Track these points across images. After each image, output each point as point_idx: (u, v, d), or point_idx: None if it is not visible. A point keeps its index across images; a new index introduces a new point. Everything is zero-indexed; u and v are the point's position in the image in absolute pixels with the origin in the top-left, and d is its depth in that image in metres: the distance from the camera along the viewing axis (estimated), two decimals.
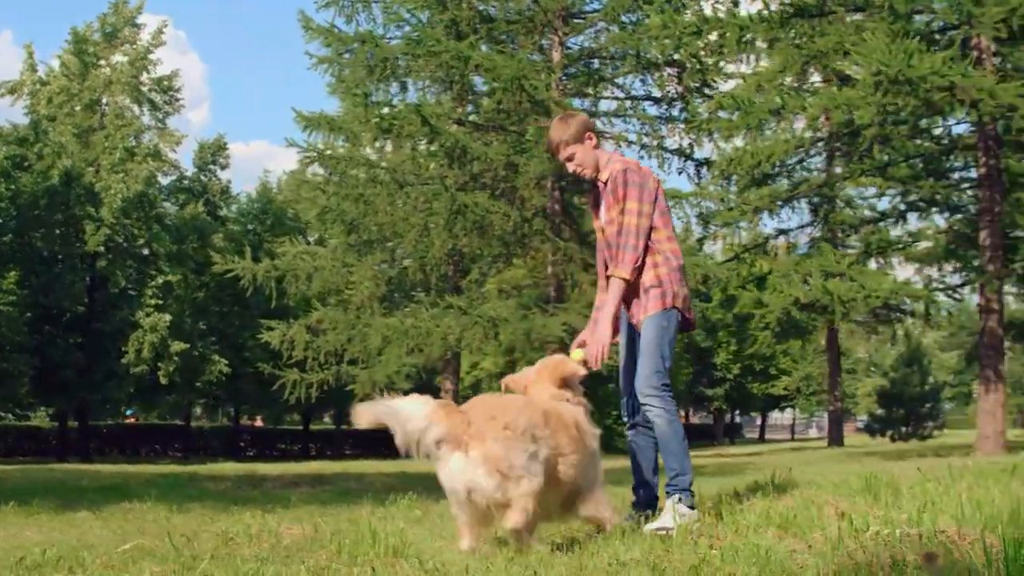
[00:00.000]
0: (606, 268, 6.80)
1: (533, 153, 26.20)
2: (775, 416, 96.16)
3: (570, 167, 6.75)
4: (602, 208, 6.80)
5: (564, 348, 28.68)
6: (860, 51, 17.60)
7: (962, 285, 25.67)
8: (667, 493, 6.45)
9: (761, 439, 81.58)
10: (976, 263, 22.55)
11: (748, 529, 5.57)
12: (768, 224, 55.16)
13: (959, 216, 25.33)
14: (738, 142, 22.47)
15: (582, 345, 6.70)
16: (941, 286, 26.01)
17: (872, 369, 78.94)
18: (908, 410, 55.08)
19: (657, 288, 6.54)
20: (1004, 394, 20.61)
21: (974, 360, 40.48)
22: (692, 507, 6.36)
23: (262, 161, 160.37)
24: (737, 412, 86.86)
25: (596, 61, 30.77)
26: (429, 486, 13.48)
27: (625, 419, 6.97)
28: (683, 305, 6.59)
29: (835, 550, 4.62)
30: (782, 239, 40.46)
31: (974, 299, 35.35)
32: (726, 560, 4.62)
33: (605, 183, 6.63)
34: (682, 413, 74.47)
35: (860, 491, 7.11)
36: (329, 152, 30.42)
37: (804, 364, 75.45)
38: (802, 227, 40.48)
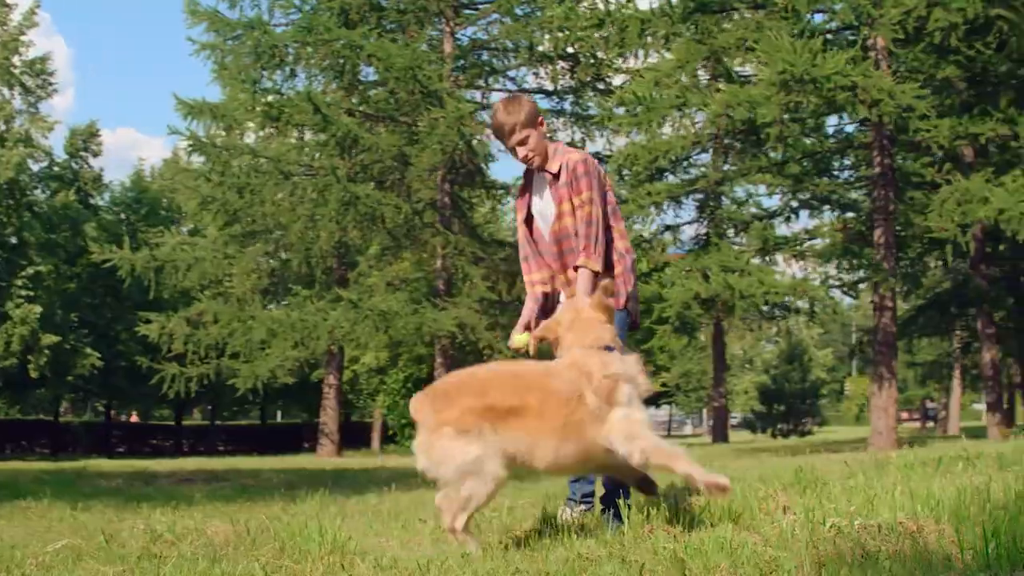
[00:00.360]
0: (548, 263, 6.68)
1: (425, 144, 26.15)
2: (651, 412, 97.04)
3: (521, 152, 6.38)
4: (545, 199, 6.62)
5: (455, 343, 28.85)
6: (765, 50, 17.92)
7: (857, 283, 26.29)
8: (611, 492, 6.36)
9: None
10: (867, 261, 23.09)
11: (701, 523, 5.59)
12: (657, 220, 55.67)
13: (851, 214, 25.96)
14: (634, 137, 22.60)
15: (528, 328, 6.59)
16: (838, 283, 26.63)
17: (747, 366, 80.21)
18: (788, 406, 56.14)
19: (615, 286, 6.49)
20: (896, 390, 21.17)
21: (853, 356, 41.55)
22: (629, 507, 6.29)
23: (130, 149, 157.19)
24: None
25: (488, 53, 30.87)
26: (328, 482, 13.41)
27: None
28: (632, 306, 6.57)
29: (797, 542, 4.68)
30: (668, 235, 41.05)
31: (846, 299, 36.45)
32: (695, 553, 4.65)
33: (556, 174, 6.48)
34: None
35: (791, 484, 7.20)
36: (211, 141, 30.04)
37: (683, 360, 76.37)
38: (689, 223, 41.16)
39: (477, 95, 30.76)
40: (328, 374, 34.01)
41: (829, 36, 20.68)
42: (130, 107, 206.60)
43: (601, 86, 29.72)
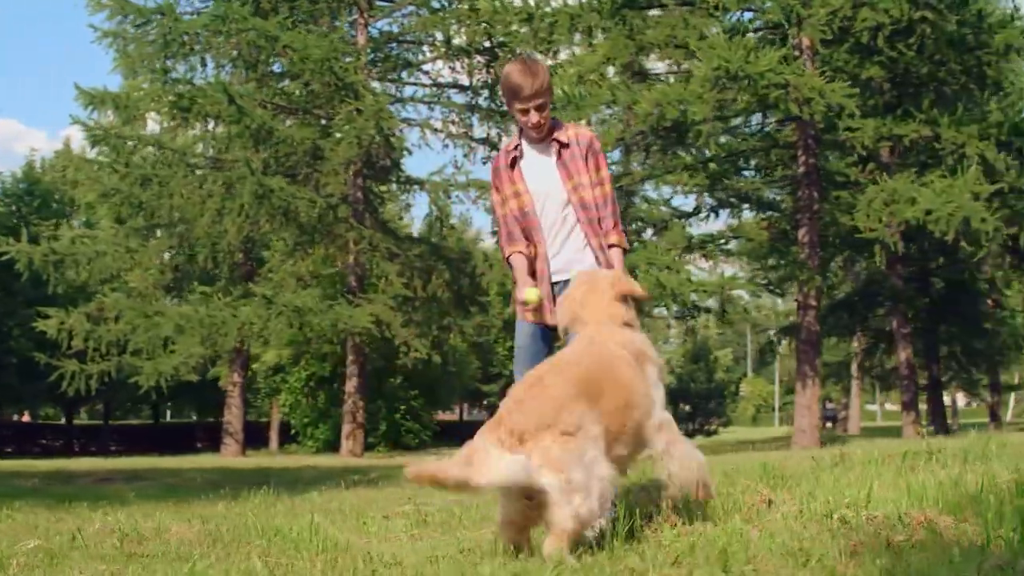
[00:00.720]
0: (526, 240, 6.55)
1: (342, 137, 25.99)
2: None
3: (535, 117, 6.12)
4: (547, 170, 6.30)
5: (373, 337, 28.69)
6: (700, 47, 18.18)
7: (783, 281, 26.65)
8: None
9: None
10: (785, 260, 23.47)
11: (700, 518, 5.62)
12: None
13: (770, 213, 26.32)
14: None
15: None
16: (764, 281, 26.95)
17: None
18: (695, 406, 56.80)
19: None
20: (819, 388, 21.57)
21: (774, 354, 42.21)
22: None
23: (13, 141, 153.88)
24: None
25: (403, 46, 30.78)
26: (255, 481, 13.26)
27: None
28: None
29: (811, 533, 4.76)
30: None
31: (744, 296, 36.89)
32: (715, 544, 4.69)
33: (566, 145, 6.29)
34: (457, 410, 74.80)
35: (761, 479, 7.27)
36: (114, 131, 29.55)
37: None
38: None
39: (391, 88, 30.65)
40: (232, 372, 33.67)
41: (755, 34, 20.99)
42: (12, 99, 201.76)
43: None
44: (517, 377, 6.05)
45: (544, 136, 6.28)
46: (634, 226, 26.22)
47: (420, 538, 6.53)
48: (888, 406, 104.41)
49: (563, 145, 6.26)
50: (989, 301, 34.49)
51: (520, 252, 6.36)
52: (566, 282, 6.13)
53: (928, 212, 18.68)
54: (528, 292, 6.14)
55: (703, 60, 17.91)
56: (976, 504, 5.10)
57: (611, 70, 21.55)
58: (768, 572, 4.19)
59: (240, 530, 6.92)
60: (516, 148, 6.40)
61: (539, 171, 6.33)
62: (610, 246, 6.25)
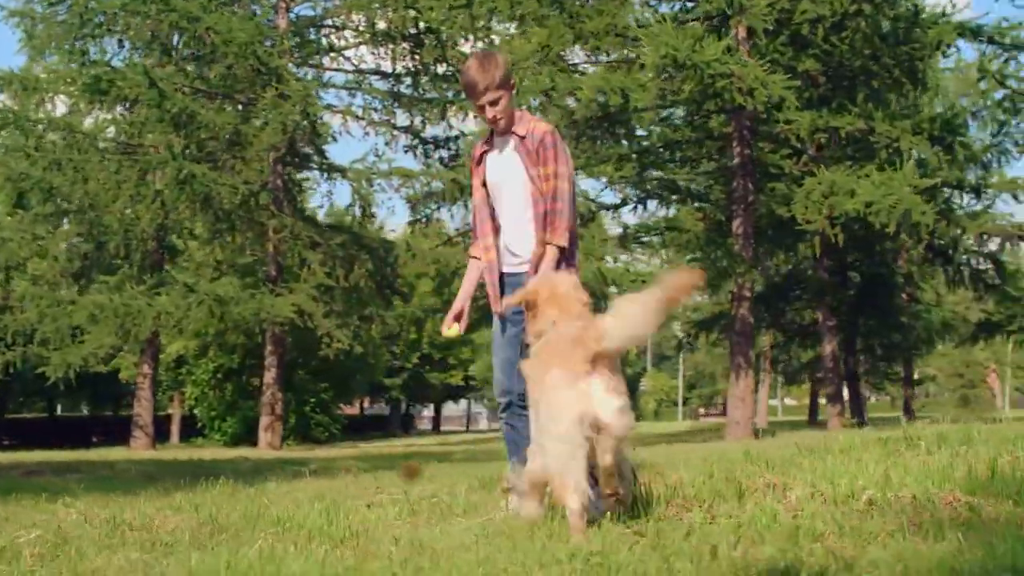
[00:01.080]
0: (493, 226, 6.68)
1: (266, 122, 25.74)
2: (450, 407, 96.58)
3: (490, 112, 6.26)
4: (508, 162, 6.40)
5: (295, 328, 28.49)
6: (647, 35, 18.30)
7: (721, 274, 26.82)
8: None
9: (435, 430, 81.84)
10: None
11: (711, 502, 5.70)
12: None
13: (702, 205, 26.51)
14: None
15: (458, 319, 6.57)
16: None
17: None
18: None
19: (571, 267, 6.57)
20: (753, 380, 21.83)
21: (685, 349, 42.67)
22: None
23: None
24: (412, 403, 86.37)
25: (324, 30, 30.56)
26: (193, 473, 13.08)
27: (500, 401, 6.85)
28: None
29: (850, 511, 4.86)
30: None
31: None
32: (752, 526, 4.77)
33: (523, 138, 6.35)
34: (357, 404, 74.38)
35: (748, 465, 7.34)
36: (22, 114, 28.90)
37: (482, 353, 76.50)
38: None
39: (312, 74, 30.39)
40: (143, 363, 33.12)
41: (695, 24, 21.11)
42: None
43: (442, 69, 29.75)
44: (495, 362, 6.48)
45: (506, 129, 6.40)
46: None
47: (420, 525, 6.51)
48: (788, 401, 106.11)
49: (521, 138, 6.37)
50: (904, 295, 35.16)
51: (473, 257, 6.66)
52: (524, 273, 6.31)
53: (869, 204, 19.03)
54: (448, 332, 6.49)
55: (649, 48, 18.03)
56: (1000, 485, 5.26)
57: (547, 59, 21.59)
58: (839, 548, 4.26)
59: (237, 519, 6.85)
60: (487, 142, 6.59)
61: (500, 164, 6.47)
62: (545, 243, 6.28)
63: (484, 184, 6.59)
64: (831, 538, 4.46)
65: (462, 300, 6.58)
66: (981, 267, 29.58)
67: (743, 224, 21.26)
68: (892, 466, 6.28)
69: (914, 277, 33.66)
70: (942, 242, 27.63)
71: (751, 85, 18.43)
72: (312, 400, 41.71)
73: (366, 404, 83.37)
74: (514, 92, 6.47)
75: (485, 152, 6.59)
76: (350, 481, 11.36)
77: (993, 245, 29.30)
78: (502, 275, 6.50)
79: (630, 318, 5.07)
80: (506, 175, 6.44)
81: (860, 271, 33.07)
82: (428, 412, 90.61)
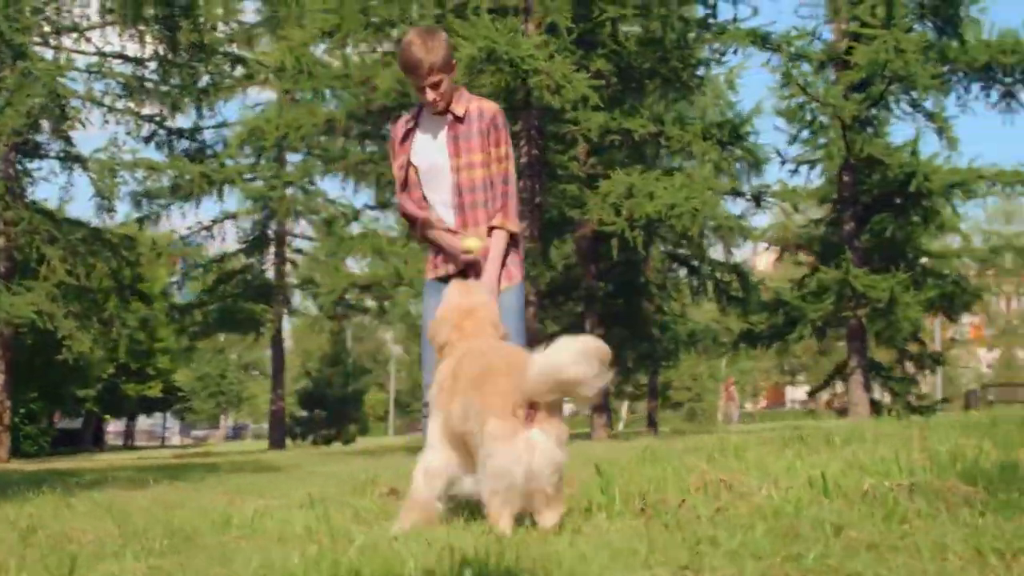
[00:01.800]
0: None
1: (7, 105, 24.20)
2: (141, 421, 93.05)
3: (430, 95, 5.97)
4: (440, 144, 6.16)
5: (33, 329, 26.89)
6: (466, 28, 18.03)
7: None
8: None
9: (127, 445, 78.37)
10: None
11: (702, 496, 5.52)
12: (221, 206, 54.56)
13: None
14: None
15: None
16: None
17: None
18: (331, 412, 56.14)
19: (517, 254, 6.39)
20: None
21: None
22: None
23: None
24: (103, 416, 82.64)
25: (59, 6, 28.99)
26: (64, 482, 12.12)
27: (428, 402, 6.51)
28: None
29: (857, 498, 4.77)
30: (229, 224, 40.31)
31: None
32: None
33: (460, 118, 6.16)
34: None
35: (709, 459, 7.21)
36: None
37: (200, 364, 74.82)
38: (248, 213, 40.60)
39: (51, 55, 28.72)
40: None
41: (513, 18, 20.97)
42: None
43: (203, 54, 28.72)
44: (424, 360, 6.02)
45: (442, 109, 6.13)
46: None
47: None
48: None
49: (457, 119, 6.12)
50: (650, 305, 35.95)
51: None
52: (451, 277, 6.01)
53: (672, 207, 19.36)
54: (468, 241, 6.07)
55: (467, 40, 17.80)
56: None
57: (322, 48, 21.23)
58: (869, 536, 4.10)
59: (172, 527, 6.20)
60: (413, 119, 6.29)
61: (429, 146, 6.23)
62: (492, 228, 6.11)
63: (405, 166, 6.26)
64: (858, 527, 4.33)
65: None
66: (725, 278, 30.31)
67: (530, 226, 21.24)
68: (872, 457, 6.28)
69: (667, 286, 34.51)
70: (686, 251, 28.36)
71: (559, 82, 18.51)
72: (21, 410, 39.66)
73: (56, 418, 79.81)
74: (454, 73, 6.19)
75: (411, 130, 6.27)
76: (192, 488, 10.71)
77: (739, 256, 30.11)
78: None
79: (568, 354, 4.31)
80: (438, 160, 6.18)
81: (614, 279, 33.58)
82: (116, 427, 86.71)
